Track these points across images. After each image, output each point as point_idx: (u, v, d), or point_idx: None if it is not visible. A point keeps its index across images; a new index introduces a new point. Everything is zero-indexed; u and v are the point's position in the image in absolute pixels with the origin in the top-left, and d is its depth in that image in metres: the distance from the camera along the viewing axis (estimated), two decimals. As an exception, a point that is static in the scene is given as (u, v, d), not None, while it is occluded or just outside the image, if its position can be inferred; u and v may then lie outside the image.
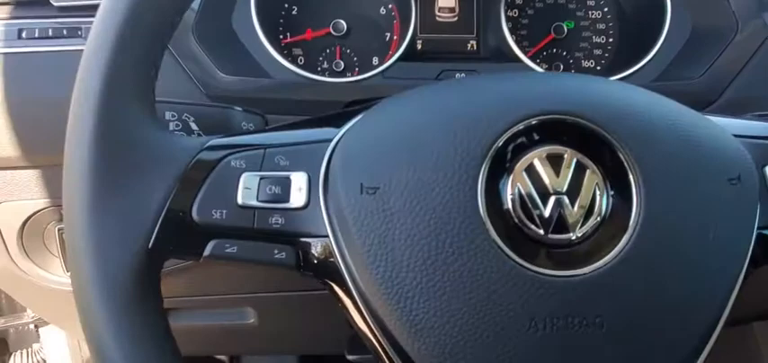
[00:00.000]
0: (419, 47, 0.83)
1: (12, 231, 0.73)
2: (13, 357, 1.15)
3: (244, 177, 0.45)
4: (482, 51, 0.84)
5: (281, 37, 0.83)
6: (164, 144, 0.45)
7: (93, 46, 0.43)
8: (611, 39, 0.85)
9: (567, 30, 0.84)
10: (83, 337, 1.06)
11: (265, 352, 1.09)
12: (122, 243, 0.42)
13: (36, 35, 0.67)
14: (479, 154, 0.42)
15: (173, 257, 0.45)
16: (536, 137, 0.43)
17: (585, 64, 0.86)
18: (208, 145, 0.46)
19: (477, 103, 0.45)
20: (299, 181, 0.45)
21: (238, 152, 0.46)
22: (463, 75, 0.78)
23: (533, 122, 0.43)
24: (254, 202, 0.45)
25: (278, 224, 0.45)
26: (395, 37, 0.84)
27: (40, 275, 0.77)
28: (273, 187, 0.45)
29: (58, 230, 0.73)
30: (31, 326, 1.14)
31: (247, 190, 0.45)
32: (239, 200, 0.44)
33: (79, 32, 0.69)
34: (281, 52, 0.75)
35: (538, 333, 0.40)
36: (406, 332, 0.41)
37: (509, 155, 0.43)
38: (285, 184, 0.45)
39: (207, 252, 0.44)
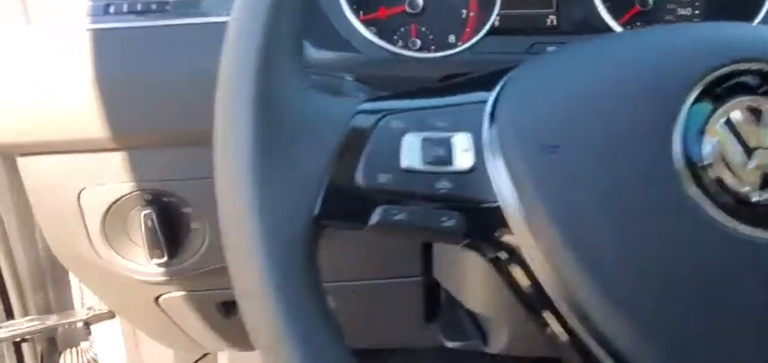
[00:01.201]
0: (497, 23, 0.81)
1: (95, 217, 0.70)
2: (62, 356, 1.12)
3: (406, 138, 0.42)
4: (562, 25, 0.81)
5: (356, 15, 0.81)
6: (320, 108, 0.42)
7: (245, 13, 0.41)
8: (697, 11, 0.83)
9: (653, 2, 0.82)
10: (143, 330, 1.02)
11: None
12: (288, 212, 0.39)
13: (124, 10, 0.64)
14: (675, 102, 0.39)
15: (335, 226, 0.42)
16: (735, 85, 0.40)
17: None
18: (361, 108, 0.43)
19: (667, 50, 0.42)
20: (462, 142, 0.42)
21: (395, 113, 0.43)
22: (554, 48, 0.75)
23: (742, 67, 0.40)
24: (418, 165, 0.42)
25: (445, 188, 0.42)
26: (471, 13, 0.82)
27: (121, 264, 0.74)
28: (437, 148, 0.42)
29: (144, 216, 0.69)
30: (80, 324, 1.11)
31: (411, 152, 0.42)
32: (403, 163, 0.42)
33: (167, 7, 0.66)
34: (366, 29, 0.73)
35: (750, 304, 0.37)
36: (599, 301, 0.38)
37: (707, 106, 0.40)
38: (448, 146, 0.42)
39: (374, 219, 0.41)
